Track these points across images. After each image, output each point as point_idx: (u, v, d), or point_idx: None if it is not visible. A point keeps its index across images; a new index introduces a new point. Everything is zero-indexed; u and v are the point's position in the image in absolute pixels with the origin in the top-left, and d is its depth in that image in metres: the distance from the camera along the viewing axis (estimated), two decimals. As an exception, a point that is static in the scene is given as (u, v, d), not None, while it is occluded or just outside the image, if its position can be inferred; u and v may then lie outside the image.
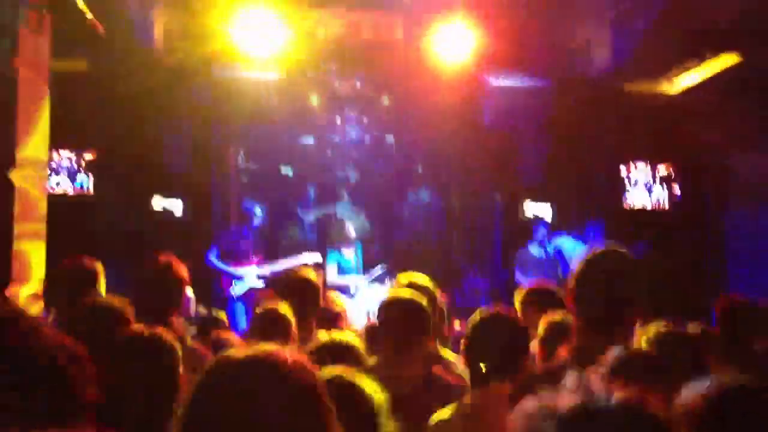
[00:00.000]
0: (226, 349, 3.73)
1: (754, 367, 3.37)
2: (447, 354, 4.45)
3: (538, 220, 10.68)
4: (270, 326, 4.18)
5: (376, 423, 2.21)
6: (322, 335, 3.66)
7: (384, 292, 6.21)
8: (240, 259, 9.66)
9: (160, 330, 2.95)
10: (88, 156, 10.80)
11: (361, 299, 9.17)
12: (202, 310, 7.15)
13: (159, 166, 10.60)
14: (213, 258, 9.53)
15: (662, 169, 11.71)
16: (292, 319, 4.26)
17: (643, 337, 3.38)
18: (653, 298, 5.27)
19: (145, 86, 9.79)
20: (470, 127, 11.33)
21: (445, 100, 11.03)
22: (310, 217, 12.00)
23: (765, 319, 4.45)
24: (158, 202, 10.47)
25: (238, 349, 1.62)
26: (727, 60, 9.43)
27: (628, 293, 2.66)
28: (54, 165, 10.12)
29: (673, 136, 11.25)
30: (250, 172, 11.93)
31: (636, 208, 11.71)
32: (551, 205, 10.96)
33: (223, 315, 6.56)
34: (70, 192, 10.75)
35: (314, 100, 12.04)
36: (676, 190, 11.70)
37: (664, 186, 11.70)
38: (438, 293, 4.85)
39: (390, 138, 12.48)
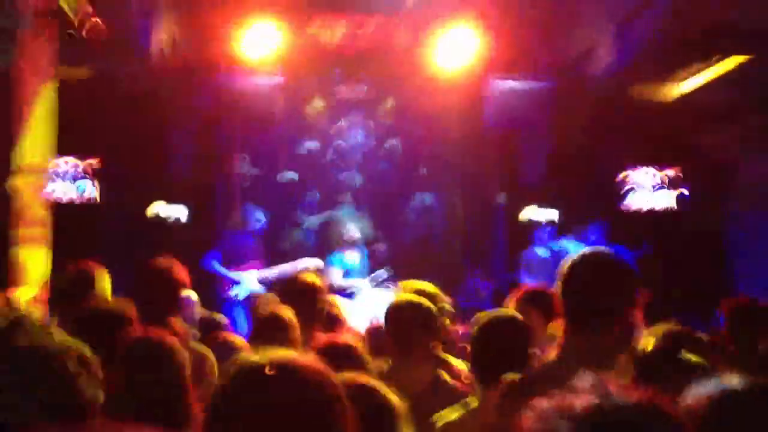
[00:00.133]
0: (233, 352, 3.74)
1: (761, 369, 3.35)
2: (451, 359, 4.44)
3: (542, 223, 10.67)
4: (273, 330, 4.17)
5: (395, 428, 2.21)
6: (321, 337, 3.66)
7: (389, 295, 6.20)
8: (241, 263, 9.66)
9: (164, 332, 2.95)
10: (93, 162, 10.82)
11: (365, 302, 9.16)
12: (203, 312, 7.15)
13: (163, 171, 10.61)
14: (214, 262, 9.52)
15: (667, 172, 11.71)
16: (296, 324, 4.26)
17: (650, 337, 3.38)
18: (659, 299, 5.28)
19: (149, 92, 9.80)
20: (473, 130, 11.34)
21: (448, 103, 11.04)
22: (314, 220, 11.99)
23: (772, 321, 4.43)
24: (162, 208, 10.46)
25: (255, 354, 1.60)
26: (732, 62, 9.42)
27: (613, 294, 2.65)
28: (59, 171, 10.14)
29: (678, 139, 11.24)
30: (253, 176, 11.92)
31: (640, 210, 11.70)
32: (554, 208, 10.95)
33: (222, 318, 6.54)
34: (75, 198, 10.77)
35: (317, 105, 12.05)
36: (681, 192, 11.69)
37: (669, 189, 11.70)
38: (445, 299, 4.84)
39: (394, 141, 12.48)
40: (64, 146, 7.15)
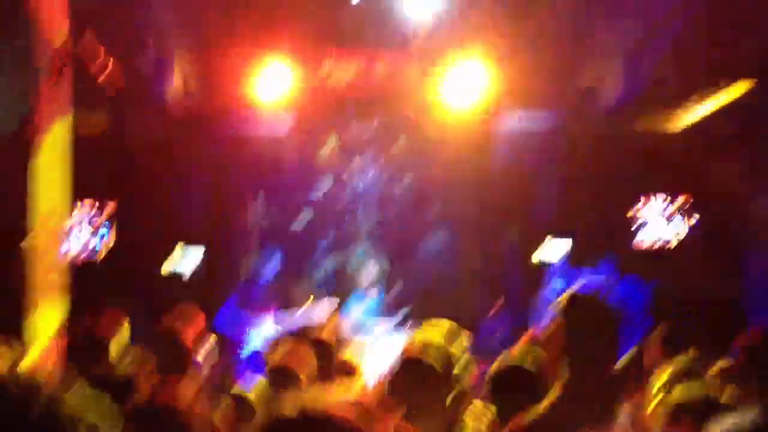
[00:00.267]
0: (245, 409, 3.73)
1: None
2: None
3: (553, 263, 10.62)
4: (287, 379, 4.16)
5: None
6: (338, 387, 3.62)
7: (406, 337, 6.13)
8: (257, 309, 9.64)
9: (174, 395, 2.95)
10: (109, 208, 10.90)
11: (382, 344, 9.11)
12: (217, 368, 7.13)
13: (179, 216, 10.66)
14: (229, 311, 9.51)
15: (678, 204, 11.69)
16: (309, 373, 4.23)
17: (664, 373, 3.36)
18: (675, 333, 5.24)
19: (163, 136, 9.90)
20: (484, 165, 11.35)
21: (459, 139, 11.08)
22: (329, 262, 11.98)
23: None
24: (178, 253, 10.50)
25: (288, 406, 1.62)
26: (738, 90, 9.43)
27: (609, 334, 2.66)
28: (75, 218, 10.21)
29: (688, 169, 11.22)
30: (268, 218, 11.95)
31: (653, 243, 11.66)
32: (567, 243, 10.91)
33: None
34: (92, 244, 10.84)
35: (330, 145, 12.12)
36: (693, 224, 11.65)
37: (680, 220, 11.67)
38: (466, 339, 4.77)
39: (407, 180, 12.50)
40: (80, 192, 7.21)
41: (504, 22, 9.55)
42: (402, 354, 4.09)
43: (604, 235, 11.10)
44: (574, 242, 10.96)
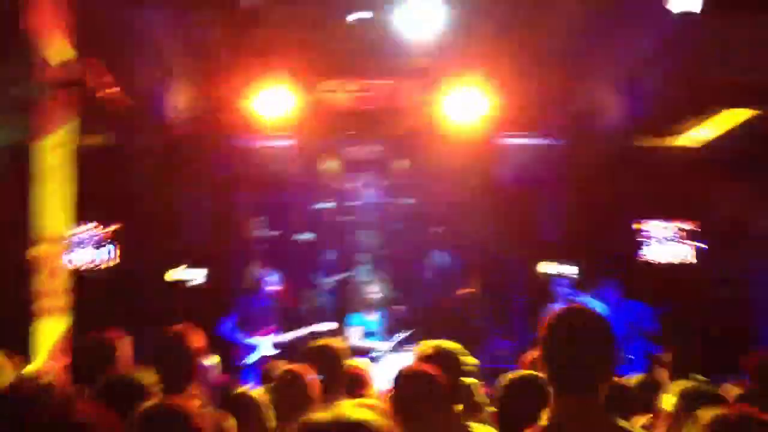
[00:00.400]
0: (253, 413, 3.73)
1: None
2: (474, 426, 4.28)
3: (558, 279, 10.60)
4: (296, 393, 4.15)
5: None
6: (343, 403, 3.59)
7: (408, 357, 6.12)
8: (256, 327, 9.63)
9: (181, 400, 2.94)
10: (111, 228, 10.91)
11: (384, 364, 9.08)
12: (222, 378, 7.12)
13: (181, 236, 10.67)
14: (229, 328, 9.50)
15: (680, 225, 11.68)
16: (314, 384, 4.23)
17: (670, 394, 3.34)
18: (681, 356, 5.23)
19: (166, 157, 9.92)
20: (485, 187, 11.36)
21: (462, 161, 11.08)
22: (331, 282, 11.97)
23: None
24: (180, 272, 10.51)
25: (319, 412, 1.64)
26: (740, 115, 9.46)
27: (594, 353, 2.62)
28: (78, 239, 10.22)
29: (690, 191, 11.22)
30: (269, 239, 11.96)
31: (655, 264, 11.65)
32: (571, 264, 10.90)
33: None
34: (94, 264, 10.85)
35: (331, 165, 12.14)
36: (695, 245, 11.64)
37: (684, 241, 11.65)
38: (468, 359, 4.75)
39: (408, 201, 12.51)
40: (83, 213, 7.23)
41: (505, 44, 9.57)
42: (405, 366, 4.09)
43: (607, 257, 11.09)
44: (577, 264, 10.95)
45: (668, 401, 3.30)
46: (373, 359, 9.06)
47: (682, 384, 3.36)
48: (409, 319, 10.96)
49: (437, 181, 12.07)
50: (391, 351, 9.49)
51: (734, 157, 10.40)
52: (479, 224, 12.03)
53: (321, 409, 1.69)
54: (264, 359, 9.26)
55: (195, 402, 3.28)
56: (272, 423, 4.32)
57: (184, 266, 10.48)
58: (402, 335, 9.71)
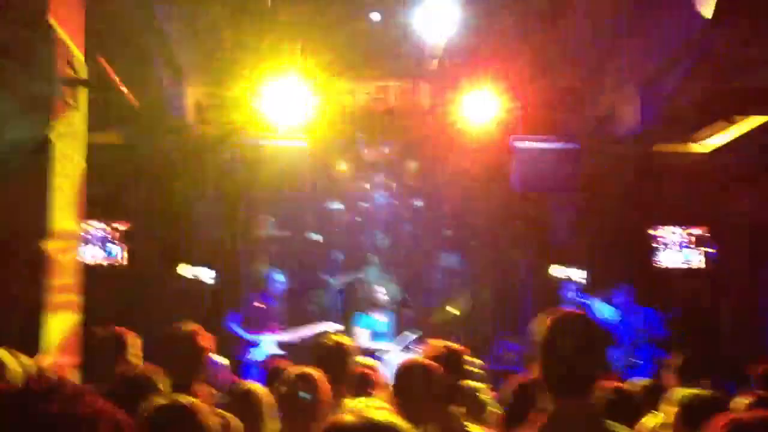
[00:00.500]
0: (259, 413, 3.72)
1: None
2: (471, 428, 4.15)
3: (567, 282, 10.57)
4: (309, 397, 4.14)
5: None
6: (351, 403, 3.60)
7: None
8: (261, 325, 9.64)
9: (189, 398, 2.95)
10: (121, 226, 10.95)
11: (392, 365, 9.07)
12: (231, 377, 7.13)
13: (190, 235, 10.71)
14: (233, 324, 9.52)
15: (693, 231, 11.63)
16: (325, 384, 4.22)
17: (672, 402, 3.32)
18: (693, 362, 5.20)
19: (176, 157, 9.94)
20: (498, 190, 11.33)
21: (473, 164, 11.07)
22: (339, 282, 11.99)
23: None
24: (188, 270, 10.53)
25: (348, 414, 1.65)
26: (756, 120, 9.42)
27: (594, 358, 2.62)
28: (87, 236, 10.25)
29: (703, 197, 11.18)
30: (278, 239, 11.98)
31: (667, 269, 11.60)
32: (582, 269, 10.87)
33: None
34: (103, 262, 10.88)
35: (342, 167, 12.15)
36: (708, 251, 11.58)
37: (696, 248, 11.60)
38: (472, 361, 4.74)
39: (418, 203, 12.51)
40: (93, 211, 7.26)
41: (520, 47, 9.56)
42: (399, 365, 4.11)
43: (619, 261, 11.05)
44: (588, 268, 10.92)
45: (668, 410, 3.29)
46: (380, 360, 9.06)
47: (684, 392, 3.33)
48: (417, 319, 10.96)
49: (449, 184, 12.06)
50: (399, 351, 9.48)
51: (747, 164, 10.35)
52: (490, 227, 12.02)
53: (334, 411, 1.70)
54: (268, 357, 9.26)
55: (203, 400, 3.28)
56: (277, 423, 4.32)
57: (191, 265, 10.49)
58: (410, 336, 9.70)
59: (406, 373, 3.89)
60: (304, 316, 10.75)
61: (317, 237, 12.22)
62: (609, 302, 10.20)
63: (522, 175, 10.32)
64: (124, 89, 7.03)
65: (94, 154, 6.14)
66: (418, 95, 10.37)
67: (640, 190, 10.78)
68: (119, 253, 10.90)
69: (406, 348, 9.52)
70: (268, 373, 5.45)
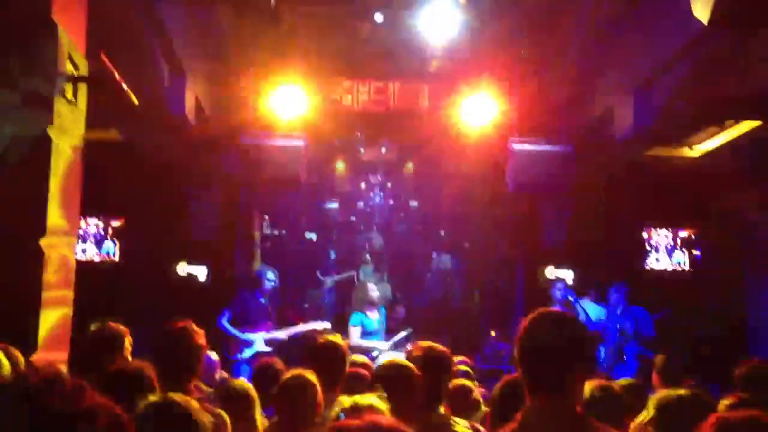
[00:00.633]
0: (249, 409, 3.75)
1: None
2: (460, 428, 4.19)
3: (558, 282, 10.61)
4: (296, 392, 4.19)
5: None
6: (345, 400, 3.65)
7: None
8: (251, 323, 9.65)
9: (183, 395, 2.98)
10: (116, 223, 10.98)
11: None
12: (223, 374, 7.18)
13: (185, 232, 10.73)
14: (224, 321, 9.54)
15: (683, 234, 11.71)
16: (318, 384, 4.27)
17: (651, 401, 3.37)
18: (677, 362, 5.25)
19: (175, 155, 9.97)
20: (493, 192, 11.39)
21: (469, 165, 11.12)
22: (333, 281, 12.02)
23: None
24: (183, 268, 10.56)
25: (350, 417, 1.66)
26: (748, 126, 9.48)
27: (569, 355, 2.66)
28: (81, 232, 10.28)
29: (696, 201, 11.25)
30: (274, 237, 12.01)
31: (657, 271, 11.68)
32: (573, 270, 10.93)
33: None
34: (97, 258, 10.92)
35: (340, 167, 12.20)
36: (697, 254, 11.67)
37: (685, 250, 11.69)
38: (455, 360, 4.79)
39: (414, 203, 12.56)
40: (88, 207, 7.29)
41: (517, 50, 9.62)
42: (383, 362, 4.17)
43: (610, 262, 11.12)
44: (579, 269, 10.98)
45: (644, 413, 3.34)
46: (373, 358, 9.11)
47: (662, 393, 3.37)
48: (408, 319, 11.01)
49: (444, 184, 12.10)
50: (391, 350, 9.53)
51: (738, 168, 10.41)
52: (484, 227, 12.07)
53: (328, 410, 1.73)
54: (258, 355, 9.28)
55: (194, 397, 3.32)
56: (264, 420, 4.38)
57: (186, 262, 10.52)
58: (401, 335, 9.75)
59: (384, 375, 3.95)
60: (296, 314, 10.78)
61: (312, 235, 12.27)
62: (598, 302, 10.27)
63: (517, 176, 10.38)
64: (124, 86, 7.06)
65: (92, 150, 6.17)
66: (417, 96, 10.42)
67: (632, 192, 10.84)
68: (113, 250, 10.94)
69: (398, 346, 9.56)
70: (258, 370, 5.49)
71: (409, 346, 9.11)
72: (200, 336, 4.34)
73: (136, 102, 6.98)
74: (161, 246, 10.60)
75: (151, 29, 7.44)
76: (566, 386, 2.62)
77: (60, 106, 5.42)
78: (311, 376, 4.29)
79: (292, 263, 11.66)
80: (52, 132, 5.31)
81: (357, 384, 5.00)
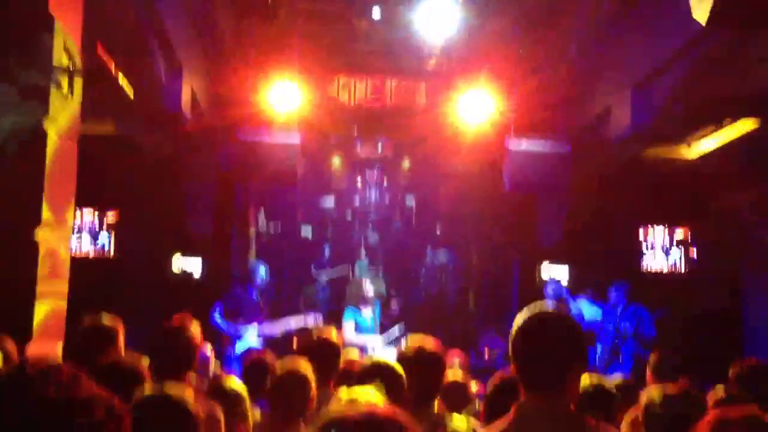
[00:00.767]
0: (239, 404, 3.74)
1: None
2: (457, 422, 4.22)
3: (553, 281, 10.61)
4: (291, 387, 4.19)
5: None
6: (343, 393, 3.64)
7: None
8: (243, 317, 9.64)
9: (178, 387, 2.98)
10: (111, 216, 10.97)
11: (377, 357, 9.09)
12: (217, 368, 7.17)
13: (180, 226, 10.72)
14: (216, 315, 9.52)
15: (679, 233, 11.73)
16: (313, 379, 4.26)
17: (644, 397, 3.38)
18: (673, 359, 5.26)
19: (170, 149, 9.95)
20: (489, 189, 11.39)
21: (466, 163, 11.12)
22: (328, 276, 12.01)
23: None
24: (178, 262, 10.55)
25: (346, 407, 1.64)
26: (746, 126, 9.49)
27: (565, 353, 2.65)
28: (77, 224, 10.26)
29: (691, 200, 11.26)
30: (269, 232, 12.01)
31: (653, 271, 11.69)
32: (569, 268, 10.94)
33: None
34: (92, 251, 10.90)
35: (336, 163, 12.19)
36: (693, 253, 11.68)
37: (681, 249, 11.71)
38: (448, 356, 4.79)
39: (409, 200, 12.57)
40: (83, 199, 7.28)
41: (515, 48, 9.61)
42: (367, 361, 4.16)
43: (606, 261, 11.13)
44: (575, 267, 10.99)
45: (633, 412, 3.34)
46: (366, 353, 9.10)
47: (652, 392, 3.38)
48: (402, 315, 11.01)
49: (441, 182, 12.10)
50: (385, 346, 9.52)
51: (735, 167, 10.43)
52: (480, 225, 12.08)
53: (322, 405, 1.70)
54: (250, 349, 9.27)
55: (189, 390, 3.32)
56: (256, 414, 4.38)
57: (180, 255, 10.51)
58: (395, 331, 9.75)
59: (367, 373, 3.94)
60: (290, 309, 10.77)
61: (307, 231, 12.27)
62: (596, 301, 10.27)
63: (514, 175, 10.39)
64: (121, 80, 7.05)
65: (87, 144, 6.16)
66: (414, 94, 10.42)
67: (629, 191, 10.85)
68: (108, 243, 10.93)
69: (392, 342, 9.56)
70: (250, 365, 5.48)
71: (402, 342, 9.14)
72: (196, 330, 4.34)
73: (132, 96, 6.97)
74: (156, 240, 10.59)
75: (148, 24, 7.42)
76: (560, 384, 2.61)
77: (56, 99, 5.41)
78: (306, 368, 4.29)
79: (288, 258, 11.65)
80: (47, 124, 5.29)
81: (349, 380, 4.99)
